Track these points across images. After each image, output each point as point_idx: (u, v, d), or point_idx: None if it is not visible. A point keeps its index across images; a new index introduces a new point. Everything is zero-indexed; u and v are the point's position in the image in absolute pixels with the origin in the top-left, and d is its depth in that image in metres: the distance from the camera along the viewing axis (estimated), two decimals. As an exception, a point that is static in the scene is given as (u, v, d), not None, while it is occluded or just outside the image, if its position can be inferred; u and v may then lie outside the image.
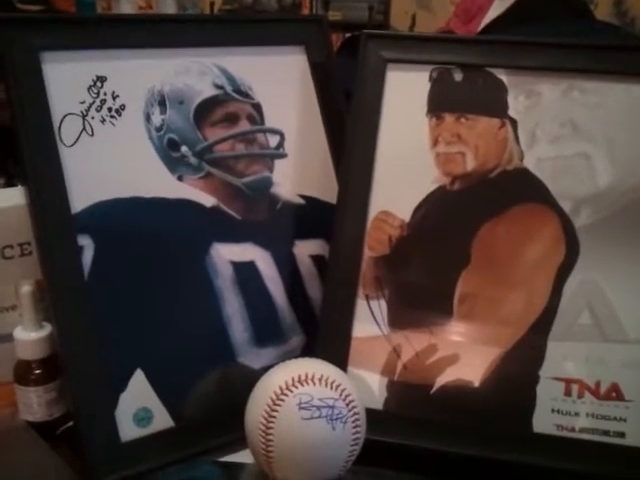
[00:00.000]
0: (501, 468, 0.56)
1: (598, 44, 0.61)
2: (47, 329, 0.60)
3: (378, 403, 0.59)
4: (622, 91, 0.59)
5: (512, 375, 0.58)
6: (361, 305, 0.61)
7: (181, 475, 0.55)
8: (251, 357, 0.62)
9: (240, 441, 0.53)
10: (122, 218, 0.59)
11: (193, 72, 0.64)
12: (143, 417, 0.57)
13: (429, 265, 0.61)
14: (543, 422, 0.57)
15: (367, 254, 0.62)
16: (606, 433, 0.56)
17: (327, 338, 0.61)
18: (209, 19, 1.01)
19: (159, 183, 0.61)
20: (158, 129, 0.62)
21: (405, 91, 0.63)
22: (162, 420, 0.57)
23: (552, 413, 0.57)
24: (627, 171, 0.58)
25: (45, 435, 0.58)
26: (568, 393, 0.57)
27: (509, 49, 0.62)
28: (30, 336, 0.59)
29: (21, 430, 0.59)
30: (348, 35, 1.08)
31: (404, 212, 0.61)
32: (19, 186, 0.60)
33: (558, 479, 0.56)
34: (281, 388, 0.50)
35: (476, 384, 0.58)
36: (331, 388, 0.50)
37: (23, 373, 0.60)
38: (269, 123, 0.67)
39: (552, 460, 0.55)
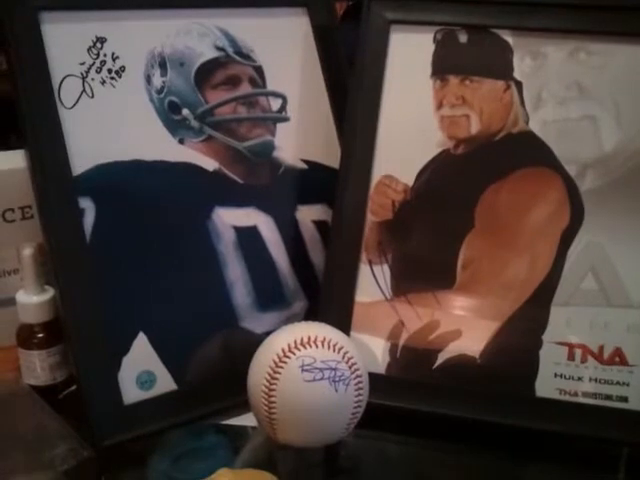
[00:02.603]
0: (504, 432, 0.56)
1: (604, 4, 0.59)
2: (49, 292, 0.60)
3: (381, 367, 0.59)
4: (629, 52, 0.58)
5: (515, 340, 0.57)
6: (364, 270, 0.61)
7: (186, 446, 0.55)
8: (254, 321, 0.62)
9: (243, 404, 0.54)
10: (123, 181, 0.58)
11: (194, 34, 0.63)
12: (146, 380, 0.57)
13: (433, 229, 0.60)
14: (546, 386, 0.57)
15: (370, 219, 0.61)
16: (609, 397, 0.56)
17: (330, 303, 0.61)
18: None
19: (160, 146, 0.60)
20: (159, 91, 0.61)
21: (409, 53, 0.62)
22: (165, 383, 0.58)
23: (555, 378, 0.57)
24: (633, 134, 0.58)
25: (48, 399, 0.58)
26: (571, 358, 0.57)
27: (515, 10, 0.61)
28: (32, 299, 0.59)
29: (25, 394, 0.59)
30: (351, 2, 1.06)
31: (408, 176, 0.61)
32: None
33: (561, 443, 0.56)
34: (284, 350, 0.50)
35: (479, 349, 0.58)
36: (334, 350, 0.50)
37: (26, 337, 0.60)
38: (271, 86, 0.67)
39: (555, 424, 0.55)
